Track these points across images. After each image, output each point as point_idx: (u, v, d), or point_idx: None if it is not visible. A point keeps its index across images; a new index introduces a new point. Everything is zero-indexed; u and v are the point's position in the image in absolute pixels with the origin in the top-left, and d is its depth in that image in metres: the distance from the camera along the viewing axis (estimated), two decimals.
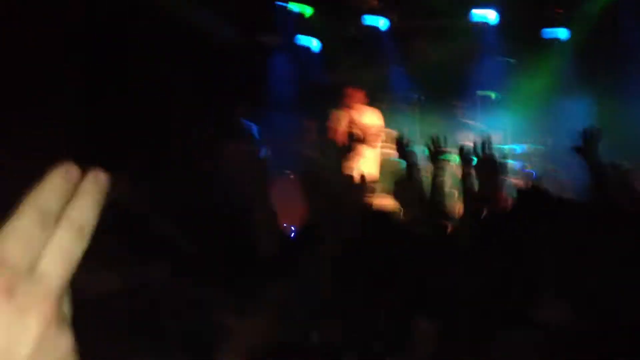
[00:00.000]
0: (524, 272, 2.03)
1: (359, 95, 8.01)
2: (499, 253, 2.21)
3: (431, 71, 10.08)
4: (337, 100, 9.14)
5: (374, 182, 7.64)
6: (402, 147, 3.29)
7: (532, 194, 3.04)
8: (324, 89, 9.90)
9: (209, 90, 7.81)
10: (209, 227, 2.72)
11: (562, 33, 9.47)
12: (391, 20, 9.52)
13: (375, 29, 9.69)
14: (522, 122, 8.87)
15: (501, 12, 9.29)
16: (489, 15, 9.24)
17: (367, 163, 7.30)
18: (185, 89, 7.09)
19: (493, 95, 9.19)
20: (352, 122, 7.76)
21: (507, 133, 8.62)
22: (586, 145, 3.07)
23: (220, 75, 8.09)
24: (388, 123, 9.45)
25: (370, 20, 9.59)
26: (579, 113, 8.61)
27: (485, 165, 3.07)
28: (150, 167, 5.33)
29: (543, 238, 2.30)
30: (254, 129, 7.56)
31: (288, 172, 8.09)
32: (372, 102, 9.64)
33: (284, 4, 8.82)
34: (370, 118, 7.98)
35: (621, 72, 8.79)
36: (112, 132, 5.72)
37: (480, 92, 9.30)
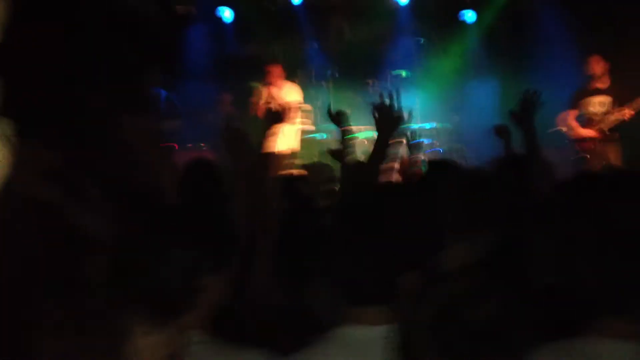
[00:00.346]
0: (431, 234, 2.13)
1: (278, 70, 7.99)
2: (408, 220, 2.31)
3: (345, 48, 10.26)
4: (251, 72, 9.14)
5: (294, 156, 7.75)
6: (338, 117, 3.37)
7: (442, 164, 3.22)
8: (238, 61, 9.88)
9: (116, 58, 7.61)
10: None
11: (470, 16, 9.80)
12: None
13: (290, 3, 9.67)
14: (432, 101, 9.15)
15: None
16: None
17: (286, 138, 7.40)
18: (89, 56, 6.89)
19: (404, 73, 9.40)
20: (271, 98, 7.78)
21: (417, 111, 8.87)
22: (523, 112, 3.09)
23: (131, 43, 7.90)
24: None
25: None
26: (486, 93, 9.01)
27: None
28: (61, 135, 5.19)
29: (452, 204, 2.46)
30: (167, 98, 7.41)
31: (202, 144, 8.08)
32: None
33: None
34: (289, 93, 8.02)
35: (526, 55, 9.22)
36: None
37: (392, 71, 9.48)
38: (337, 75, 9.72)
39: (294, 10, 9.88)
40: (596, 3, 8.28)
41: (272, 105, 7.31)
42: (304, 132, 8.49)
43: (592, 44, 7.63)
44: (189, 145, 8.07)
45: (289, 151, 7.51)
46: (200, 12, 9.31)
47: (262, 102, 7.77)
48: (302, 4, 9.69)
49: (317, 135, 8.56)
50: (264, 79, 8.07)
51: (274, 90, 7.92)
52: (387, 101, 2.81)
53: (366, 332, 1.59)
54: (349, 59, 9.92)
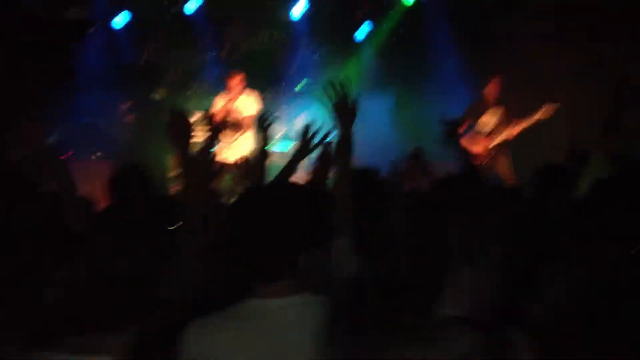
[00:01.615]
0: None
1: (237, 79, 7.94)
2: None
3: (243, 58, 10.35)
4: (148, 80, 9.02)
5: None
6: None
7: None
8: (134, 68, 9.72)
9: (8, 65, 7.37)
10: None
11: (365, 32, 10.14)
12: (205, 4, 9.48)
13: (189, 11, 9.59)
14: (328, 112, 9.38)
15: (314, 8, 9.68)
16: (299, 9, 9.55)
17: (239, 148, 7.47)
18: None
19: (300, 86, 9.59)
20: (228, 108, 7.72)
21: (314, 122, 9.04)
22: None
23: (24, 50, 7.65)
24: (197, 106, 9.56)
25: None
26: (380, 107, 9.34)
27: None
28: None
29: None
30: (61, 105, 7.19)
31: (97, 153, 7.89)
32: (183, 85, 9.69)
33: None
34: (247, 104, 7.95)
35: (420, 70, 9.66)
36: None
37: (290, 82, 9.66)
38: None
39: (190, 18, 9.77)
40: (484, 23, 8.83)
41: (229, 117, 7.35)
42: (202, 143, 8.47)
43: (483, 61, 8.15)
44: (87, 154, 7.84)
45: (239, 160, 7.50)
46: (94, 19, 9.09)
47: (218, 112, 7.69)
48: (198, 13, 9.59)
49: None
50: (225, 88, 7.96)
51: (231, 101, 7.85)
52: (342, 96, 2.94)
53: (272, 303, 1.97)
54: (246, 68, 9.99)
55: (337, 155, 3.03)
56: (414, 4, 9.31)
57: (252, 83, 9.80)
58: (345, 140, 2.95)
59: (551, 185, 3.39)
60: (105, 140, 7.96)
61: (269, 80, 10.04)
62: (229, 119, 7.59)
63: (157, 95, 8.11)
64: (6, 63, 7.02)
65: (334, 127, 3.01)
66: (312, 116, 8.65)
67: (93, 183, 6.82)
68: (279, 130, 9.00)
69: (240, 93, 7.89)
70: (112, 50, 9.35)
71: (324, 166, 3.54)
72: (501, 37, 8.46)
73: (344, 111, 2.97)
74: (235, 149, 7.57)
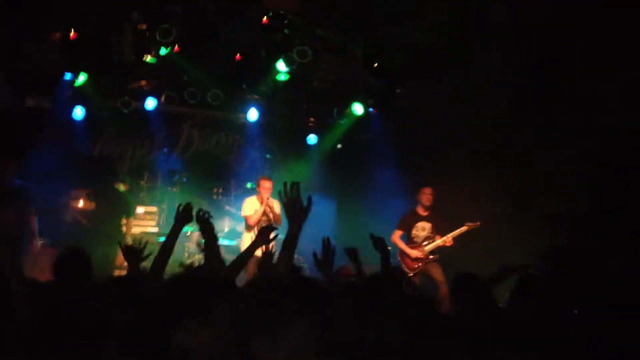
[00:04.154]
0: None
1: (270, 183, 8.12)
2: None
3: (196, 155, 10.68)
4: (103, 171, 9.20)
5: None
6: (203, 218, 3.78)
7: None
8: (88, 158, 9.91)
9: None
10: None
11: (313, 138, 10.66)
12: (161, 102, 9.74)
13: (145, 107, 9.76)
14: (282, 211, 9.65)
15: (265, 114, 10.17)
16: (254, 114, 10.00)
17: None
18: None
19: (250, 185, 9.91)
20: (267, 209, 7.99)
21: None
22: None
23: None
24: (149, 201, 9.76)
25: (142, 98, 9.68)
26: (324, 208, 9.71)
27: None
28: None
29: None
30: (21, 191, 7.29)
31: (48, 240, 7.96)
32: (136, 177, 9.90)
33: (70, 77, 8.73)
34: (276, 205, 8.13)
35: (362, 178, 10.16)
36: None
37: (239, 181, 10.01)
38: (184, 180, 10.02)
39: (146, 114, 10.02)
40: (420, 142, 9.45)
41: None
42: (152, 234, 8.64)
43: (419, 175, 8.69)
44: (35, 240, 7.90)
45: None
46: (53, 109, 9.32)
47: (257, 215, 7.92)
48: (155, 110, 9.88)
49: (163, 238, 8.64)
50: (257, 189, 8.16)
51: (268, 202, 8.01)
52: (296, 195, 3.23)
53: None
54: (198, 166, 10.32)
55: (283, 250, 3.31)
56: (363, 114, 9.83)
57: (203, 179, 10.16)
58: (293, 237, 3.25)
59: (468, 295, 3.67)
60: (56, 228, 8.06)
61: (221, 177, 10.37)
62: (262, 221, 7.88)
63: (109, 186, 8.30)
64: None
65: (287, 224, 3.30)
66: None
67: (41, 268, 6.96)
68: (229, 225, 9.25)
69: (269, 197, 8.06)
70: (69, 140, 9.54)
71: (268, 258, 3.87)
72: (436, 154, 9.06)
73: (296, 211, 3.23)
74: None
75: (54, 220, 8.08)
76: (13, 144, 7.96)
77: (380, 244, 4.13)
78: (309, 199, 3.30)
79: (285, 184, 3.33)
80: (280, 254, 3.39)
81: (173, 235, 3.75)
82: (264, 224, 7.81)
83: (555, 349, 2.88)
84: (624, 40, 6.68)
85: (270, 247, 4.05)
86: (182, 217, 3.78)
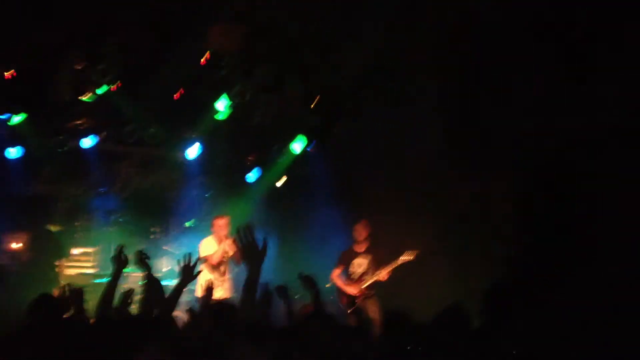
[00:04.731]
0: None
1: (225, 221, 8.02)
2: None
3: (134, 195, 10.55)
4: (38, 211, 9.01)
5: None
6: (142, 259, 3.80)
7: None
8: (23, 199, 9.68)
9: None
10: None
11: (253, 176, 10.69)
12: (99, 140, 9.64)
13: (83, 146, 9.59)
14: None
15: (205, 152, 10.10)
16: (194, 152, 9.97)
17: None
18: None
19: (189, 223, 9.84)
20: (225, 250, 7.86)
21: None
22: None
23: None
24: (85, 241, 9.58)
25: (80, 137, 9.55)
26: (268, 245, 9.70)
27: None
28: None
29: None
30: None
31: None
32: (72, 217, 9.71)
33: (6, 116, 8.55)
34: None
35: (303, 213, 10.24)
36: None
37: (181, 220, 9.93)
38: (121, 220, 9.89)
39: (83, 153, 9.85)
40: (357, 177, 9.64)
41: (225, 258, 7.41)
42: (89, 275, 8.48)
43: (356, 210, 8.83)
44: None
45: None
46: None
47: (218, 254, 7.74)
48: (92, 149, 9.73)
49: (103, 280, 8.45)
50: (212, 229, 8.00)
51: (224, 242, 7.87)
52: (251, 239, 3.28)
53: None
54: (136, 205, 10.19)
55: (245, 293, 3.38)
56: (301, 153, 9.94)
57: (142, 219, 10.04)
58: (254, 281, 3.31)
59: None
60: None
61: (159, 216, 10.27)
62: (224, 259, 7.74)
63: (45, 226, 8.16)
64: None
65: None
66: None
67: None
68: (167, 264, 9.14)
69: (227, 235, 7.95)
70: (3, 181, 9.33)
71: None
72: (372, 189, 9.26)
73: (254, 253, 3.29)
74: (225, 288, 7.72)
75: None
76: None
77: (308, 282, 4.22)
78: (264, 241, 3.35)
79: (238, 228, 3.38)
80: (242, 297, 3.42)
81: (114, 278, 3.83)
82: (226, 263, 7.77)
83: None
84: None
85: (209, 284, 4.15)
86: (118, 260, 3.86)
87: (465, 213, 8.29)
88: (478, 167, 7.94)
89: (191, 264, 3.91)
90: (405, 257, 7.85)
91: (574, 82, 6.72)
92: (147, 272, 3.85)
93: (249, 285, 3.35)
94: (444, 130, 8.24)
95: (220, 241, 7.91)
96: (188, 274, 3.93)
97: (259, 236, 3.43)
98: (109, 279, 3.95)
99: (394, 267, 7.88)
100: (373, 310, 7.85)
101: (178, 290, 3.88)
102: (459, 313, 3.79)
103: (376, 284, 8.01)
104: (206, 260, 7.78)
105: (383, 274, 7.91)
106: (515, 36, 7.03)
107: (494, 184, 7.82)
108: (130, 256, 4.06)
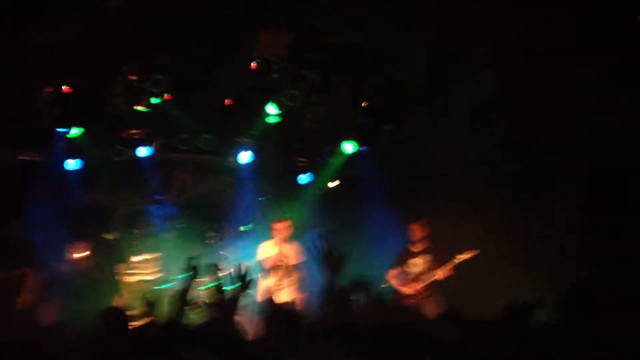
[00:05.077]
0: None
1: (285, 224, 8.17)
2: None
3: (190, 201, 10.73)
4: (98, 221, 9.23)
5: None
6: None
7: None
8: (83, 209, 9.94)
9: None
10: None
11: (307, 177, 10.76)
12: (155, 149, 9.86)
13: (139, 156, 9.83)
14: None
15: (257, 156, 10.21)
16: (246, 157, 10.07)
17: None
18: None
19: (245, 228, 9.93)
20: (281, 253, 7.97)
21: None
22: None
23: None
24: (144, 249, 9.76)
25: (135, 147, 9.77)
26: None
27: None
28: None
29: None
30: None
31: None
32: (131, 225, 9.93)
33: (64, 129, 8.80)
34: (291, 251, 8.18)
35: (357, 215, 10.23)
36: None
37: (236, 225, 10.03)
38: (179, 227, 10.05)
39: (139, 163, 10.07)
40: (410, 177, 9.59)
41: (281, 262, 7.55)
42: (150, 282, 8.64)
43: (410, 211, 8.78)
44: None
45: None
46: (47, 162, 9.40)
47: (270, 258, 7.86)
48: (148, 157, 9.91)
49: (164, 286, 8.61)
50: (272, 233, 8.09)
51: (282, 246, 8.00)
52: (328, 247, 3.32)
53: None
54: (194, 212, 10.36)
55: (327, 303, 3.39)
56: (353, 154, 9.93)
57: (200, 224, 10.20)
58: (333, 286, 3.30)
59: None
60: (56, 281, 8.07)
61: (215, 222, 10.40)
62: (280, 263, 7.84)
63: (106, 235, 8.36)
64: None
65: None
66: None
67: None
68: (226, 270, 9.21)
69: (287, 239, 8.08)
70: (63, 192, 9.60)
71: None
72: (427, 189, 9.20)
73: (333, 261, 3.32)
74: (284, 292, 7.78)
75: (52, 273, 8.11)
76: (17, 201, 8.02)
77: (360, 286, 4.44)
78: (342, 250, 3.37)
79: (314, 239, 3.41)
80: (324, 302, 3.46)
81: (185, 286, 3.88)
82: (285, 267, 7.82)
83: None
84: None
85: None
86: (189, 269, 3.92)
87: (527, 214, 8.16)
88: (538, 166, 7.84)
89: (242, 272, 3.92)
90: (462, 256, 7.75)
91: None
92: (218, 282, 3.90)
93: (331, 291, 3.39)
94: (496, 129, 8.14)
95: (281, 243, 7.99)
96: (242, 282, 3.97)
97: (335, 243, 3.45)
98: (178, 286, 3.99)
99: (451, 266, 7.80)
100: (430, 310, 7.78)
101: (235, 296, 3.90)
102: (522, 311, 3.76)
103: (435, 284, 7.94)
104: (264, 263, 7.86)
105: (440, 274, 7.84)
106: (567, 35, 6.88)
107: (554, 181, 7.69)
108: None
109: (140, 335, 3.91)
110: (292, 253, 7.94)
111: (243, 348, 3.43)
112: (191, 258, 3.98)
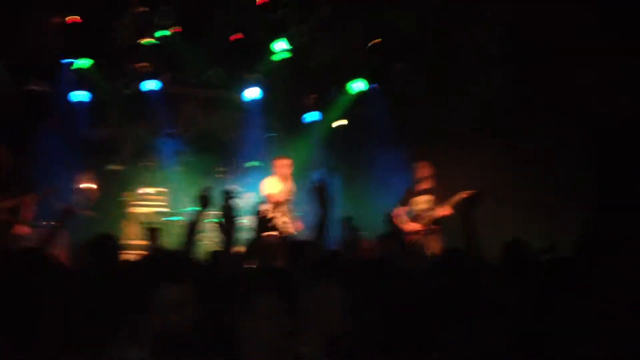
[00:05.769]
0: None
1: (287, 162, 8.17)
2: None
3: (200, 136, 10.75)
4: (106, 154, 9.30)
5: None
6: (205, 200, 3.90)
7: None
8: (92, 142, 10.00)
9: None
10: None
11: (316, 115, 10.74)
12: (163, 83, 9.84)
13: (147, 90, 9.83)
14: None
15: (266, 92, 10.18)
16: (256, 93, 10.03)
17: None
18: None
19: (256, 163, 9.98)
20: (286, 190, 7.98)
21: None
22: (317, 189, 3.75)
23: None
24: (154, 181, 9.85)
25: (143, 81, 9.75)
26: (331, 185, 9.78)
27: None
28: None
29: None
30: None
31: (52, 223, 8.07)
32: (137, 159, 9.98)
33: (70, 60, 8.76)
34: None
35: (364, 153, 10.24)
36: None
37: (243, 160, 10.06)
38: (188, 161, 10.11)
39: (148, 96, 10.05)
40: (420, 116, 9.54)
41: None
42: (161, 214, 8.74)
43: (419, 150, 8.76)
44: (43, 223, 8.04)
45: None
46: (54, 93, 9.41)
47: (283, 192, 7.88)
48: (157, 90, 9.90)
49: (173, 218, 8.68)
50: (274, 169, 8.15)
51: (285, 183, 8.04)
52: (322, 183, 3.49)
53: None
54: (202, 146, 10.39)
55: (316, 229, 3.50)
56: (361, 93, 9.85)
57: (208, 159, 10.24)
58: (324, 219, 3.46)
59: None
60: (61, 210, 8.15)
61: (224, 157, 10.45)
62: (283, 199, 7.90)
63: (112, 168, 8.41)
64: None
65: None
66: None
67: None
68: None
69: (287, 176, 8.12)
70: (71, 124, 9.65)
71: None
72: (436, 128, 9.15)
73: (324, 196, 3.47)
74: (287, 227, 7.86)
75: (58, 202, 8.21)
76: (11, 130, 8.05)
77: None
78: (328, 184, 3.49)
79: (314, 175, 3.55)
80: (315, 234, 3.54)
81: (197, 217, 3.87)
82: (289, 202, 7.90)
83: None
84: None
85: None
86: (203, 200, 3.91)
87: (534, 156, 8.13)
88: (545, 110, 7.76)
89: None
90: (468, 191, 7.63)
91: None
92: (227, 210, 3.87)
93: (323, 224, 3.48)
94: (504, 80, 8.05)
95: (283, 180, 8.05)
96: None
97: (326, 178, 3.55)
98: (190, 218, 3.95)
99: (457, 201, 7.73)
100: (433, 246, 7.82)
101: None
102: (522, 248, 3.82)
103: (441, 221, 7.93)
104: (269, 198, 7.94)
105: (447, 208, 7.82)
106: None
107: (562, 129, 7.62)
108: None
109: (138, 264, 3.90)
110: (292, 190, 8.03)
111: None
112: (204, 189, 3.94)
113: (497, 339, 2.73)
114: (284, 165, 8.10)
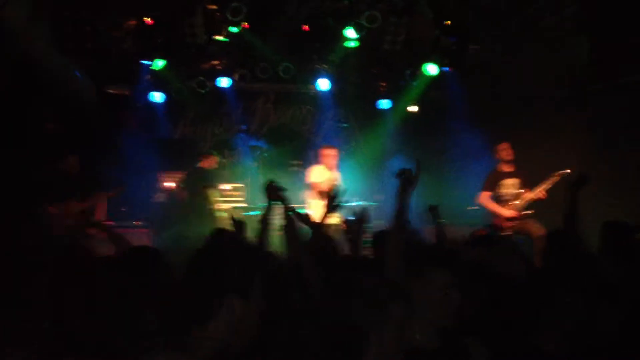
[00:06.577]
0: None
1: (335, 152, 8.17)
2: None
3: (272, 130, 10.85)
4: (184, 153, 9.45)
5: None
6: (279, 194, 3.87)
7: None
8: (171, 141, 10.23)
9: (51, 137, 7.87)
10: None
11: (387, 103, 10.62)
12: (235, 80, 9.93)
13: (220, 87, 9.97)
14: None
15: (337, 83, 10.13)
16: (325, 83, 9.98)
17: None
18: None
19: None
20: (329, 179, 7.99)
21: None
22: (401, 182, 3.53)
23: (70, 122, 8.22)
24: (233, 177, 9.98)
25: (215, 77, 9.88)
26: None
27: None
28: None
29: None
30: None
31: (139, 220, 8.30)
32: (216, 155, 10.13)
33: (148, 62, 8.94)
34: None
35: (440, 139, 10.05)
36: None
37: (316, 152, 10.04)
38: (265, 155, 10.19)
39: (221, 94, 10.26)
40: (497, 98, 9.27)
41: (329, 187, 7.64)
42: (239, 210, 8.84)
43: (498, 132, 8.49)
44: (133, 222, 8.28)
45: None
46: (132, 95, 9.65)
47: (328, 182, 7.86)
48: (230, 87, 10.06)
49: (252, 213, 8.76)
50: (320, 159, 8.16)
51: (332, 172, 8.06)
52: (408, 172, 3.42)
53: None
54: (276, 140, 10.47)
55: (395, 216, 3.38)
56: (436, 74, 9.61)
57: (284, 153, 10.32)
58: (405, 205, 3.38)
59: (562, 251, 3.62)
60: (149, 210, 8.38)
61: (298, 150, 10.49)
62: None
63: (192, 165, 8.56)
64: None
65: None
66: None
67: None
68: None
69: (334, 166, 8.09)
70: (150, 125, 9.90)
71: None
72: (513, 109, 8.86)
73: (408, 184, 3.41)
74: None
75: (144, 201, 8.43)
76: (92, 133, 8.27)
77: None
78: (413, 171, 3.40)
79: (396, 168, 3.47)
80: (394, 223, 3.43)
81: (268, 211, 3.87)
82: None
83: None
84: None
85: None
86: (269, 195, 3.88)
87: (613, 139, 7.75)
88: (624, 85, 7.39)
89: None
90: (561, 172, 7.28)
91: None
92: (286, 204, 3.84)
93: (400, 212, 3.36)
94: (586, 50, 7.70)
95: (330, 170, 7.98)
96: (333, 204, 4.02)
97: (406, 165, 3.44)
98: (261, 212, 3.97)
99: (552, 183, 7.38)
100: (537, 228, 7.42)
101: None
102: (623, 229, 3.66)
103: (533, 203, 7.58)
104: (313, 187, 7.90)
105: (541, 191, 7.45)
106: None
107: None
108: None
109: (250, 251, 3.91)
110: (337, 179, 7.94)
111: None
112: (270, 182, 3.91)
113: (610, 320, 2.59)
114: (330, 154, 8.03)
